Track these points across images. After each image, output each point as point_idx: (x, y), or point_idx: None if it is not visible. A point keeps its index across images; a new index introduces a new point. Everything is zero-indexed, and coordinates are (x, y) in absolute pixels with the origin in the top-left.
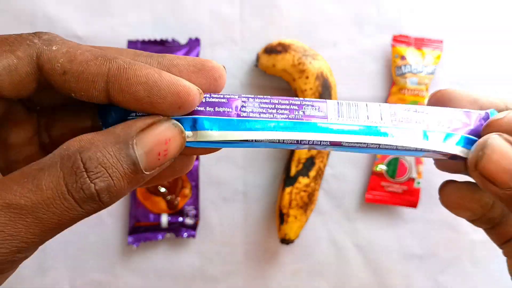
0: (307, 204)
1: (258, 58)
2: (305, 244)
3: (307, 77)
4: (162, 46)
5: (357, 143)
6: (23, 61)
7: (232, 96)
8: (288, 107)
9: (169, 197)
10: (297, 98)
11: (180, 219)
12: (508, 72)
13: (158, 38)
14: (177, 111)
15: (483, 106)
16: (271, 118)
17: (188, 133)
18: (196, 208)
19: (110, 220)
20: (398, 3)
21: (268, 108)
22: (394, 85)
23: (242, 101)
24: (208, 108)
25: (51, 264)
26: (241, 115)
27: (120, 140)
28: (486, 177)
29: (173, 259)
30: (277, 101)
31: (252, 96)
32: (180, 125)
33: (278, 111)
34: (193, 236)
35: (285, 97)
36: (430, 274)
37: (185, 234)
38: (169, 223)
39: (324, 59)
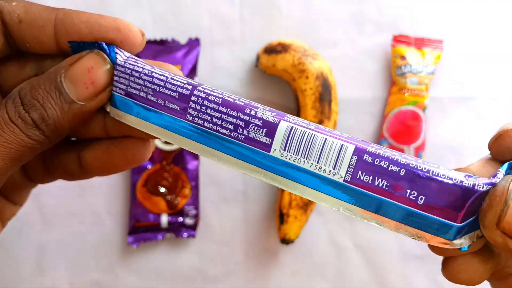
0: (307, 204)
1: (258, 58)
2: (305, 244)
3: (307, 77)
4: (162, 46)
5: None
6: None
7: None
8: (234, 120)
9: (169, 197)
10: (248, 106)
11: (180, 219)
12: (508, 72)
13: (158, 38)
14: (122, 47)
15: None
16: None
17: (109, 107)
18: (196, 208)
19: (110, 220)
20: (398, 3)
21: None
22: (394, 85)
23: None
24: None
25: (51, 264)
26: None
27: (51, 76)
28: (509, 234)
29: (173, 259)
30: (225, 110)
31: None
32: (103, 53)
33: (222, 123)
34: (193, 236)
35: (237, 104)
36: (430, 274)
37: (185, 234)
38: (169, 223)
39: (324, 59)
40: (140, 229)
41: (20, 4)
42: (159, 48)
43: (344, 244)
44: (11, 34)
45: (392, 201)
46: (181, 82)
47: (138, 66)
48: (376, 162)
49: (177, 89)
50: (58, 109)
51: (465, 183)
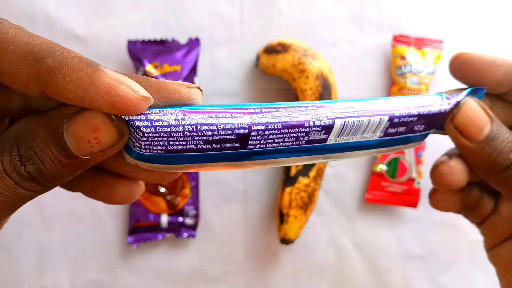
0: (307, 204)
1: (258, 58)
2: (305, 244)
3: (307, 77)
4: (162, 46)
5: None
6: None
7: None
8: (296, 134)
9: (169, 197)
10: (305, 121)
11: (180, 219)
12: None
13: (158, 38)
14: (114, 110)
15: (501, 67)
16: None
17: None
18: (196, 208)
19: (110, 220)
20: (398, 3)
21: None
22: (394, 85)
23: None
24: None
25: (51, 264)
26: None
27: (52, 125)
28: (459, 130)
29: (173, 259)
30: (286, 131)
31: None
32: (111, 115)
33: (284, 139)
34: (193, 236)
35: (294, 123)
36: (430, 274)
37: (185, 234)
38: (169, 223)
39: (324, 59)
40: (140, 229)
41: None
42: (159, 48)
43: (344, 244)
44: None
45: (412, 135)
46: (233, 124)
47: (173, 126)
48: (400, 120)
49: (234, 132)
50: (57, 163)
51: (444, 108)
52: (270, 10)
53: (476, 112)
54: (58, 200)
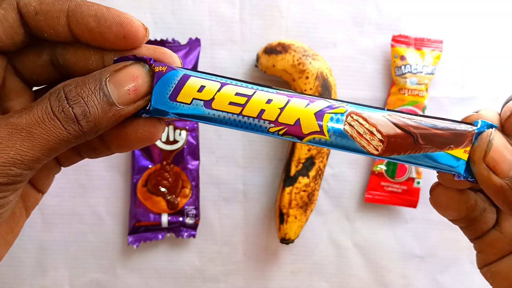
0: (307, 204)
1: (258, 58)
2: (305, 244)
3: (307, 77)
4: (162, 46)
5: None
6: (8, 11)
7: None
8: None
9: (169, 197)
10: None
11: (180, 219)
12: (507, 72)
13: (158, 38)
14: (123, 42)
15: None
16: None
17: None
18: (196, 208)
19: (110, 220)
20: (398, 3)
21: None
22: (394, 85)
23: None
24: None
25: (51, 264)
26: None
27: (96, 78)
28: (491, 168)
29: (173, 259)
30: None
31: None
32: (148, 66)
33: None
34: (193, 236)
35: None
36: (430, 274)
37: (185, 234)
38: (169, 223)
39: (324, 59)
40: (141, 229)
41: None
42: None
43: (344, 244)
44: (28, 25)
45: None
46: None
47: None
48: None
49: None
50: (99, 108)
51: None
52: (270, 10)
53: (506, 146)
54: (58, 200)
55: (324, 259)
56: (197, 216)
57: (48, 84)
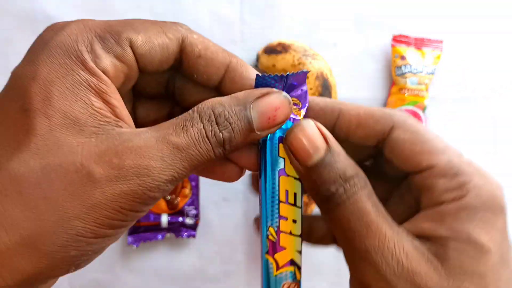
0: (307, 204)
1: (258, 58)
2: (304, 244)
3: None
4: None
5: None
6: (173, 41)
7: None
8: None
9: (169, 197)
10: None
11: (180, 219)
12: (507, 72)
13: None
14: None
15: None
16: None
17: None
18: (196, 208)
19: None
20: (398, 3)
21: None
22: (394, 85)
23: None
24: None
25: None
26: None
27: (241, 103)
28: (291, 151)
29: (173, 259)
30: None
31: None
32: (289, 97)
33: None
34: (193, 236)
35: None
36: None
37: (185, 234)
38: (169, 223)
39: (324, 59)
40: (140, 229)
41: (200, 39)
42: None
43: None
44: (184, 62)
45: None
46: None
47: None
48: None
49: None
50: (242, 133)
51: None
52: (270, 10)
53: (310, 136)
54: None
55: (324, 259)
56: (197, 216)
57: (150, 95)
